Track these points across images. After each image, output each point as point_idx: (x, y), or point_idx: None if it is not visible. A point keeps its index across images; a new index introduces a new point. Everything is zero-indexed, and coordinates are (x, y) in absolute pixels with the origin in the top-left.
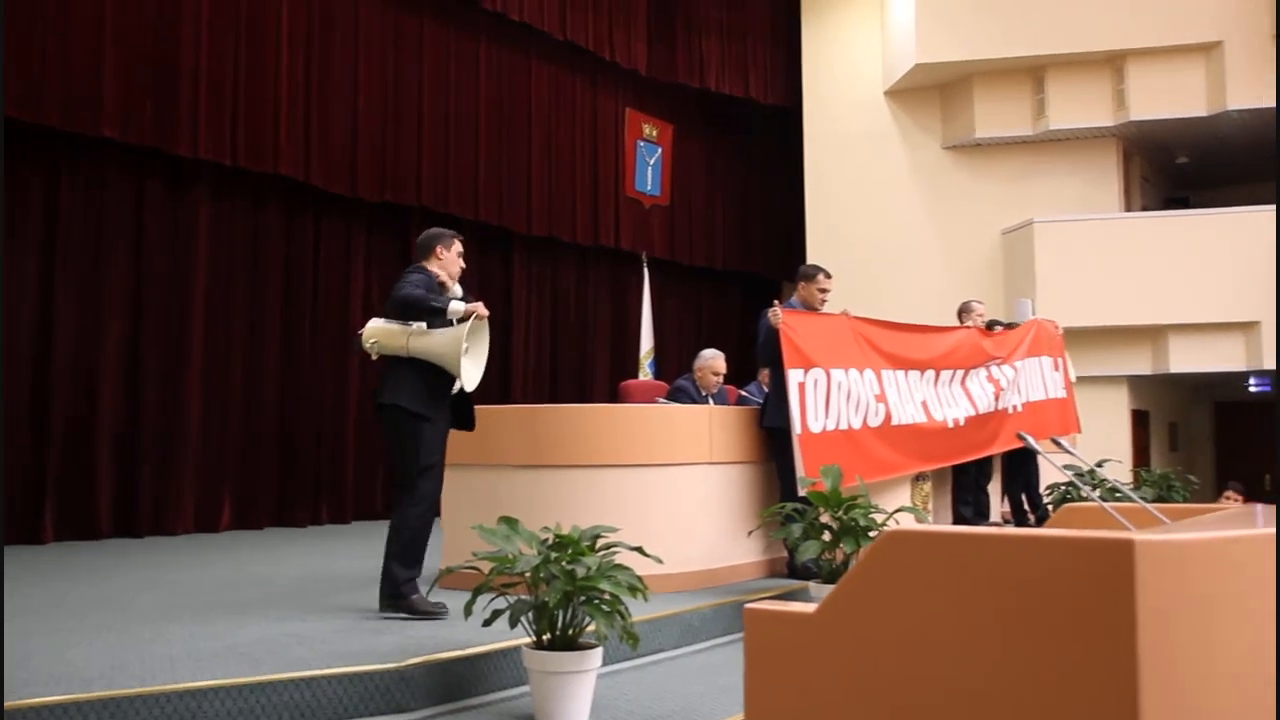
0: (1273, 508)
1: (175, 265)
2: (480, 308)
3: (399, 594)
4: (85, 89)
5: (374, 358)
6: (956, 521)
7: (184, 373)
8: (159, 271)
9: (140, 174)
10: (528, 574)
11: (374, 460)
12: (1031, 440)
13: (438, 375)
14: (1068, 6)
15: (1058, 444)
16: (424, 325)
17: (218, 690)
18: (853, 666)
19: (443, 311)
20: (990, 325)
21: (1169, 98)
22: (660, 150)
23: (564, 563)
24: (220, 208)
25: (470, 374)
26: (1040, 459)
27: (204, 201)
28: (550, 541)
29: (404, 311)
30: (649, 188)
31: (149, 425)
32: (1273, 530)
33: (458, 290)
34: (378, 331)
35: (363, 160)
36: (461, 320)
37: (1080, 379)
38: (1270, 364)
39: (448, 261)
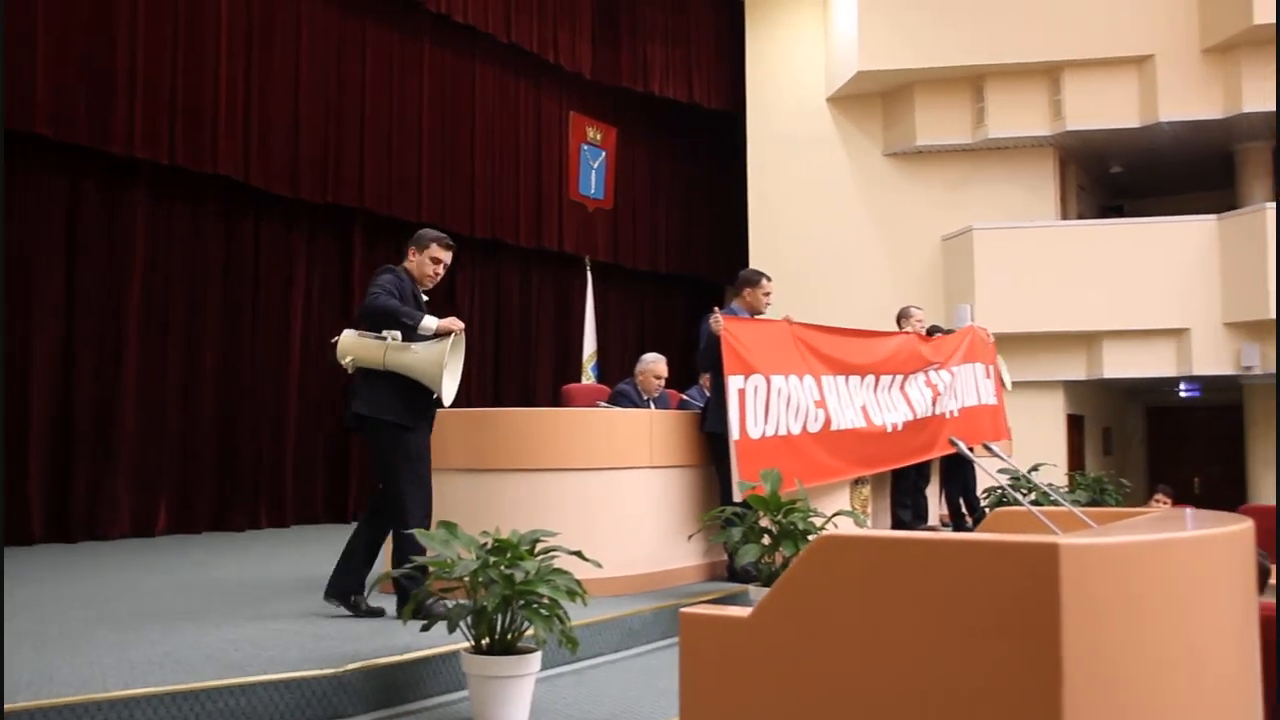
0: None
1: (111, 265)
2: (455, 323)
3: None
4: (17, 86)
5: (350, 371)
6: (895, 525)
7: (119, 374)
8: (94, 271)
9: (75, 173)
10: (466, 578)
11: (314, 464)
12: (963, 445)
13: (415, 387)
14: (1007, 18)
15: (988, 449)
16: (399, 336)
17: (150, 699)
18: (786, 670)
19: (414, 327)
20: (931, 331)
21: (1103, 109)
22: (604, 154)
23: (503, 567)
24: (158, 207)
25: (448, 388)
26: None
27: (141, 201)
28: (489, 546)
29: (376, 322)
30: (593, 191)
31: (83, 427)
32: (1200, 532)
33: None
34: (352, 346)
35: (304, 161)
36: (436, 335)
37: (1017, 384)
38: (1201, 370)
39: (417, 265)
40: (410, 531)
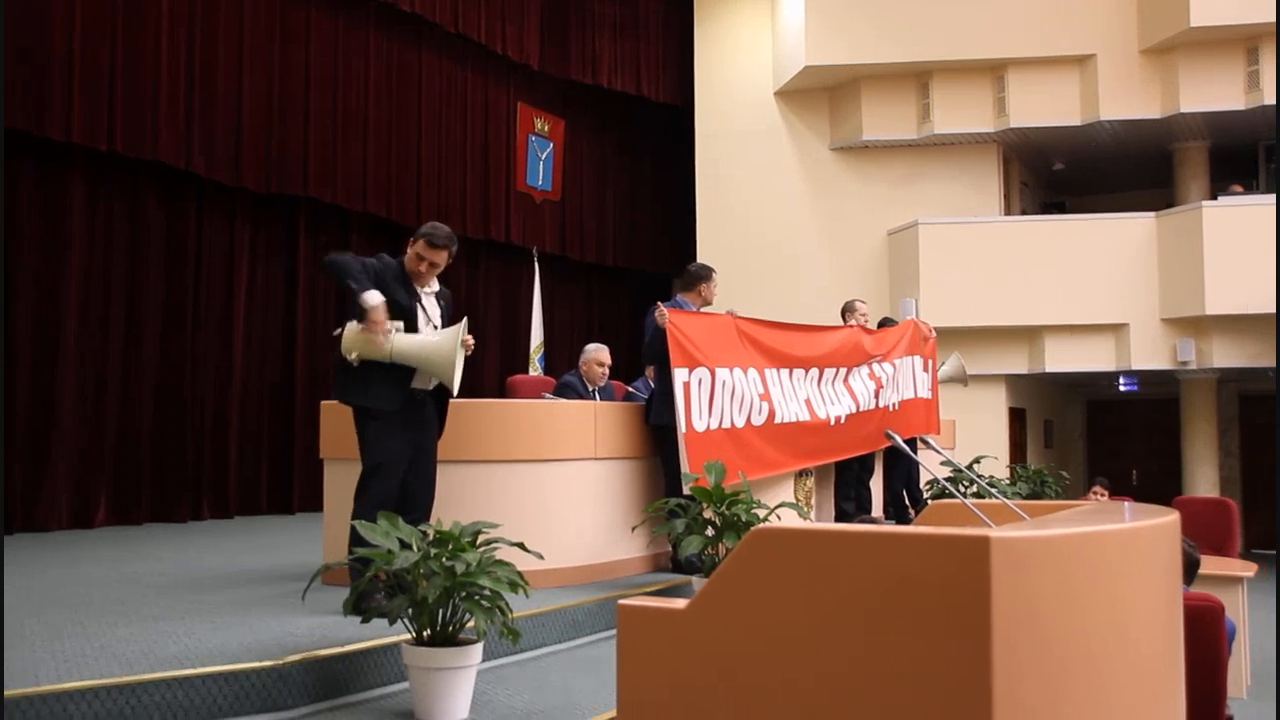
0: (1136, 504)
1: (48, 252)
2: (381, 327)
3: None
4: None
5: (355, 366)
6: (839, 517)
7: (56, 362)
8: (30, 258)
9: (8, 156)
10: (408, 570)
11: (257, 454)
12: (898, 439)
13: (392, 374)
14: (952, 15)
15: (925, 442)
16: (401, 327)
17: (84, 692)
18: (721, 660)
19: (355, 296)
20: (883, 323)
21: (1046, 106)
22: (552, 145)
23: (444, 559)
24: (96, 194)
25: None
26: (921, 455)
27: (78, 187)
28: (431, 538)
29: (332, 270)
30: (540, 183)
31: (19, 417)
32: (1129, 525)
33: (434, 286)
34: (357, 342)
35: (247, 149)
36: (360, 319)
37: None
38: (1139, 364)
39: (408, 259)
40: (354, 522)
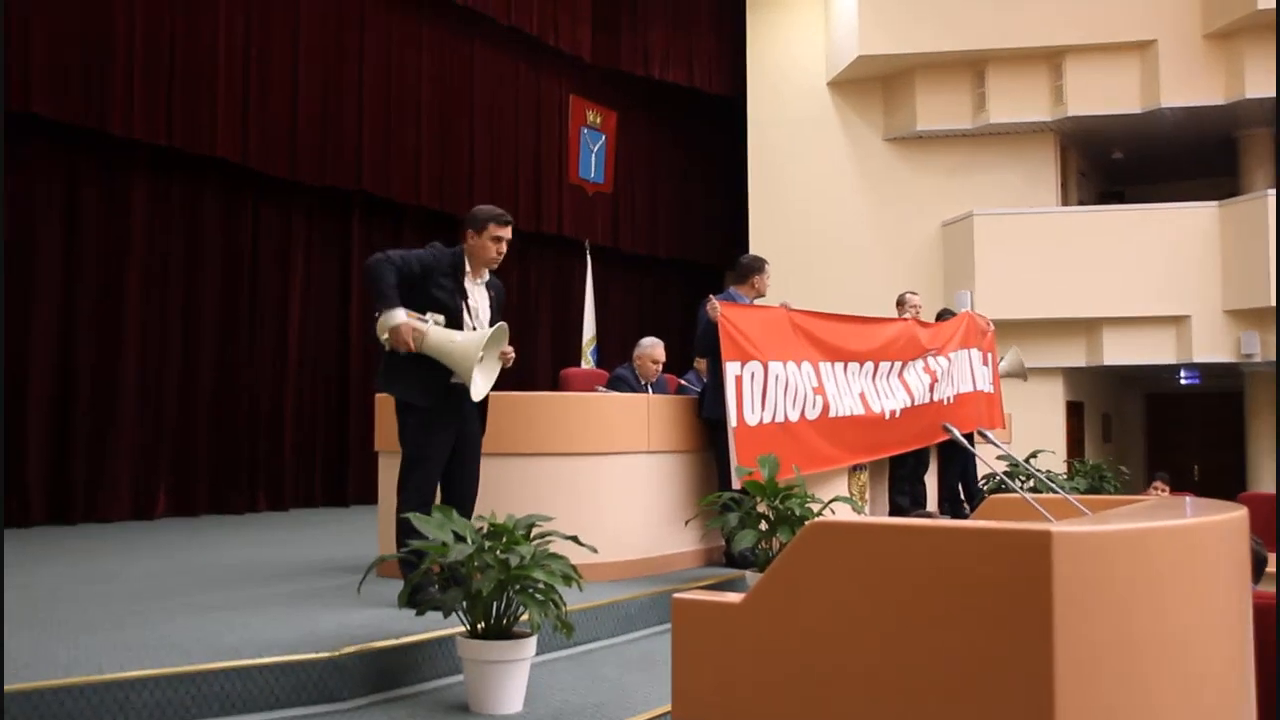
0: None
1: (109, 246)
2: (409, 336)
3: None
4: (14, 65)
5: (386, 349)
6: (893, 511)
7: (118, 356)
8: (92, 253)
9: (73, 154)
10: (463, 563)
11: (312, 447)
12: (956, 432)
13: (434, 368)
14: (1008, 2)
15: (983, 436)
16: (442, 320)
17: (145, 681)
18: (778, 655)
19: (386, 304)
20: (942, 314)
21: (1105, 94)
22: (604, 137)
23: (498, 552)
24: (156, 189)
25: (479, 385)
26: (978, 449)
27: (140, 183)
28: (485, 531)
29: (367, 277)
30: (592, 175)
31: (82, 410)
32: (1194, 520)
33: (485, 276)
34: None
35: (303, 144)
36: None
37: None
38: (1201, 357)
39: (476, 247)
40: (405, 515)
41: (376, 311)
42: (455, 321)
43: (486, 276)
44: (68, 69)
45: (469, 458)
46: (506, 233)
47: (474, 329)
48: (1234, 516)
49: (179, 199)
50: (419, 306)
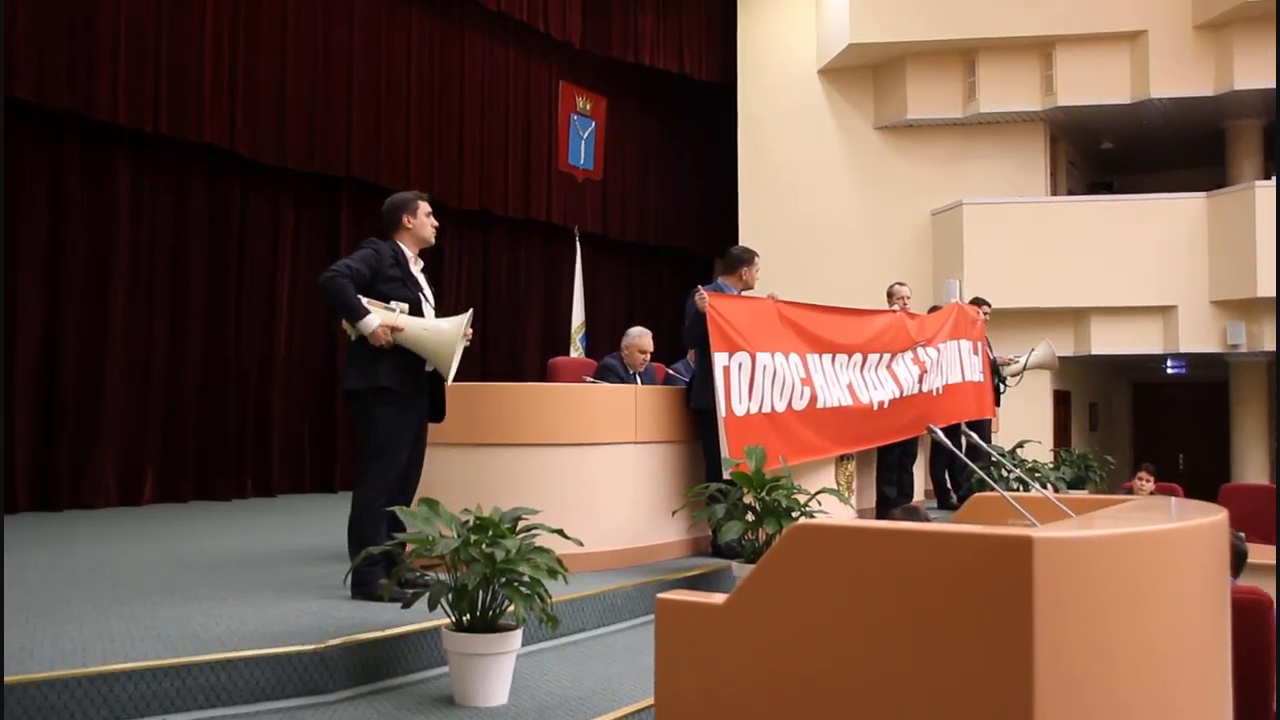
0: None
1: (95, 233)
2: (388, 335)
3: (356, 580)
4: None
5: (352, 338)
6: (880, 502)
7: (105, 342)
8: (78, 239)
9: (57, 139)
10: (447, 556)
11: (300, 434)
12: (938, 432)
13: (408, 353)
14: None
15: (966, 434)
16: (406, 309)
17: (130, 673)
18: (760, 656)
19: (357, 317)
20: (934, 310)
21: (1095, 84)
22: (594, 124)
23: (484, 545)
24: (142, 175)
25: (454, 369)
26: (964, 440)
27: (124, 169)
28: (470, 524)
29: (329, 296)
30: (582, 162)
31: (68, 396)
32: (1176, 525)
33: (419, 261)
34: None
35: (291, 130)
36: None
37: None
38: (1187, 347)
39: (418, 227)
40: (354, 504)
41: (346, 323)
42: (416, 309)
43: (421, 262)
44: (52, 54)
45: (422, 445)
46: (428, 205)
47: (430, 314)
48: (1214, 520)
49: (165, 186)
50: (381, 298)
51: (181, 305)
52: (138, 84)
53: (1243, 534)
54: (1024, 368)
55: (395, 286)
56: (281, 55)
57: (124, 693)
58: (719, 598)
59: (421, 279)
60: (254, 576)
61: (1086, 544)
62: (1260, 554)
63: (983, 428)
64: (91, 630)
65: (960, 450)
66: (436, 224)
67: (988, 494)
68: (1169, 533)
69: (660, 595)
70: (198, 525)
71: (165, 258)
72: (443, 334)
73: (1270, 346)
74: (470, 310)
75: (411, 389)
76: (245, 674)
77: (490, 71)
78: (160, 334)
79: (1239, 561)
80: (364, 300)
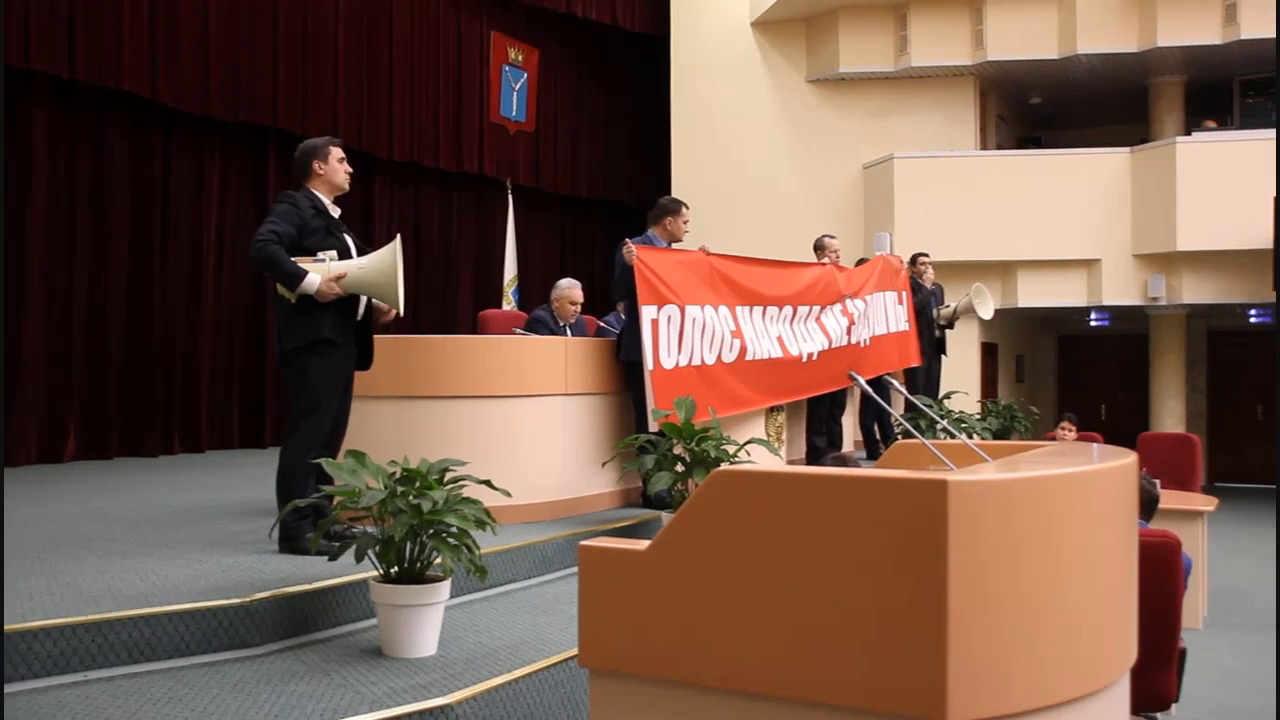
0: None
1: (10, 184)
2: (334, 288)
3: (283, 534)
4: None
5: (292, 301)
6: (810, 452)
7: (23, 295)
8: None
9: None
10: (374, 508)
11: (229, 388)
12: (861, 380)
13: (340, 304)
14: None
15: (891, 382)
16: (335, 256)
17: (49, 630)
18: (681, 600)
19: (298, 281)
20: (861, 263)
21: (1023, 39)
22: (526, 75)
23: (410, 497)
24: (58, 123)
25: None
26: (892, 391)
27: (40, 118)
28: (397, 475)
29: (263, 267)
30: (514, 114)
31: None
32: (1085, 468)
33: (335, 211)
34: None
35: (215, 78)
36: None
37: None
38: (1110, 300)
39: (330, 173)
40: (281, 458)
41: (286, 289)
42: (344, 255)
43: (339, 209)
44: None
45: (349, 396)
46: (340, 150)
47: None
48: (1123, 463)
49: (83, 135)
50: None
51: (103, 258)
52: (49, 27)
53: (1157, 480)
54: (955, 312)
55: (320, 237)
56: (204, 1)
57: (43, 650)
58: (642, 544)
59: (342, 224)
60: (180, 532)
61: (1000, 486)
62: (1173, 499)
63: (913, 376)
64: (9, 588)
65: (886, 401)
66: (350, 170)
67: (910, 441)
68: (1079, 475)
69: (583, 543)
70: (123, 482)
71: (85, 210)
72: (383, 264)
73: (1188, 300)
74: (398, 236)
75: (346, 339)
76: (169, 629)
77: (421, 21)
78: (82, 288)
79: (1150, 505)
80: (297, 261)
